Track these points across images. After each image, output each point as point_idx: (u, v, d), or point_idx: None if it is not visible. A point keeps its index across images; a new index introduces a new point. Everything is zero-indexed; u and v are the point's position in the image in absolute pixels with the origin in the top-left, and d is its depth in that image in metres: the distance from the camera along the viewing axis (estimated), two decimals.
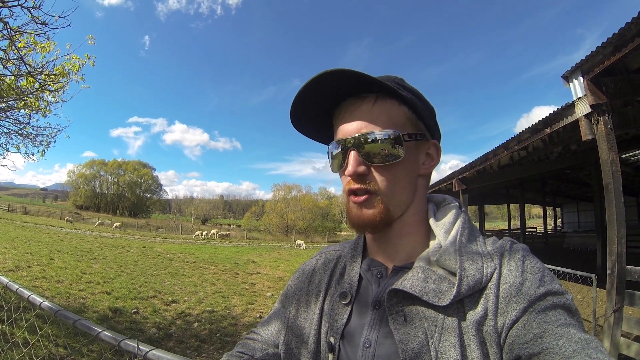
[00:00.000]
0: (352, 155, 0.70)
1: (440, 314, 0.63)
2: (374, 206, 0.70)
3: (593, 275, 5.54)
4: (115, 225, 36.19)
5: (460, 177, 12.46)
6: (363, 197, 0.70)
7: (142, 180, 79.47)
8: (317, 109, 0.77)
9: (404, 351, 0.62)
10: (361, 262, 0.80)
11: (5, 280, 2.24)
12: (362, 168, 0.70)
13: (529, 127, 7.35)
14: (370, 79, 0.68)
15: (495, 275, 0.64)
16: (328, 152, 0.79)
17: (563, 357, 0.49)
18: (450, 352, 0.59)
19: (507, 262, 0.65)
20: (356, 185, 0.70)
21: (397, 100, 0.73)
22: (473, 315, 0.61)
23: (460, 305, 0.63)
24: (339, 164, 0.75)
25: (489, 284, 0.63)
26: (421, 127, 0.76)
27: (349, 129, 0.72)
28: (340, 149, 0.74)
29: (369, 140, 0.70)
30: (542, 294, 0.59)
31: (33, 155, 7.02)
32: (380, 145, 0.69)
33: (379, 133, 0.70)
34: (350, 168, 0.70)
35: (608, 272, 4.62)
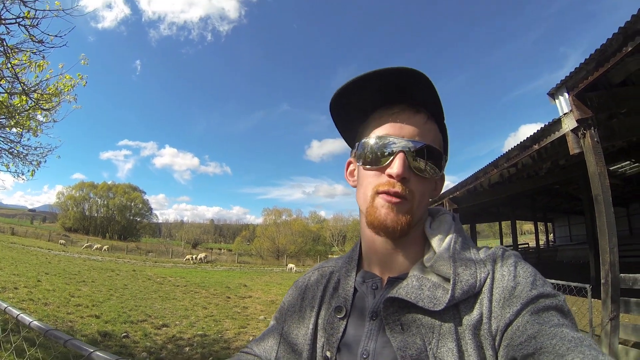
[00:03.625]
0: (402, 157, 0.70)
1: (436, 320, 0.64)
2: (405, 212, 0.70)
3: (587, 286, 5.56)
4: (95, 247, 35.62)
5: (451, 196, 12.58)
6: (399, 200, 0.70)
7: (132, 204, 78.33)
8: (369, 98, 0.76)
9: (403, 358, 0.62)
10: (355, 275, 0.81)
11: None
12: (408, 173, 0.70)
13: (517, 144, 7.48)
14: (439, 100, 0.73)
15: (488, 281, 0.65)
16: (362, 144, 0.77)
17: (557, 356, 0.50)
18: (448, 357, 0.60)
19: (499, 268, 0.67)
20: (395, 188, 0.70)
21: (438, 126, 0.77)
22: (469, 319, 0.62)
23: (455, 311, 0.64)
24: (373, 159, 0.74)
25: (483, 289, 0.64)
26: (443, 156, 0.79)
27: (403, 132, 0.72)
28: (385, 146, 0.72)
29: (421, 150, 0.71)
30: (534, 297, 0.60)
31: (23, 174, 6.90)
32: (428, 158, 0.72)
33: (435, 146, 0.73)
34: (399, 169, 0.69)
35: (602, 281, 4.65)
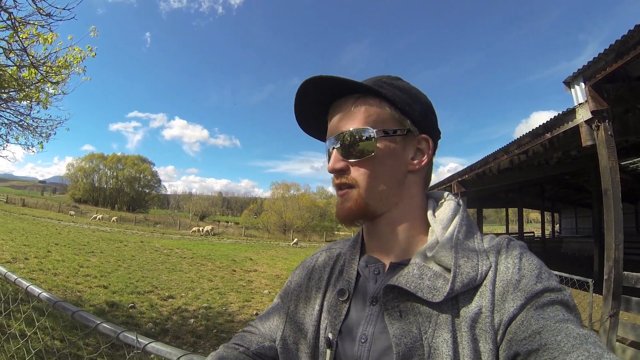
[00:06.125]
0: (333, 152, 0.76)
1: (434, 310, 0.63)
2: (350, 200, 0.74)
3: (590, 280, 5.55)
4: (99, 217, 36.34)
5: (459, 179, 12.46)
6: (344, 191, 0.75)
7: (142, 176, 79.31)
8: (314, 111, 0.82)
9: (397, 345, 0.62)
10: (359, 259, 0.81)
11: (3, 270, 2.23)
12: (339, 164, 0.75)
13: (529, 131, 7.37)
14: (344, 80, 0.72)
15: (491, 273, 0.64)
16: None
17: (562, 353, 0.49)
18: (442, 348, 0.60)
19: (504, 260, 0.66)
20: (337, 180, 0.76)
21: (379, 98, 0.75)
22: (466, 312, 0.62)
23: (454, 302, 0.64)
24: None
25: (484, 282, 0.63)
26: (407, 123, 0.76)
27: (332, 128, 0.78)
28: (327, 150, 0.80)
29: (344, 137, 0.74)
30: (539, 291, 0.59)
31: (33, 147, 7.05)
32: (354, 141, 0.73)
33: (353, 130, 0.73)
34: (329, 164, 0.76)
35: (605, 277, 4.63)
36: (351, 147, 0.73)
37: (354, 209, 0.73)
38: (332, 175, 0.79)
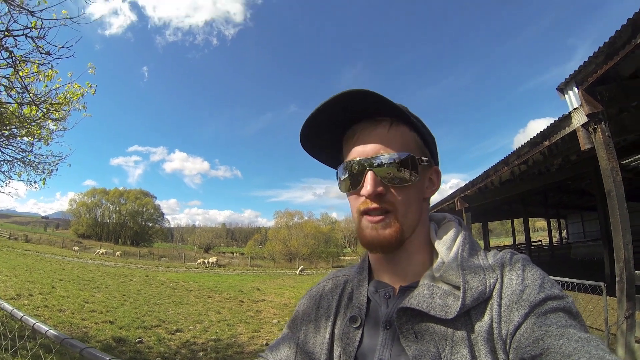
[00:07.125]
0: (370, 175, 0.71)
1: (449, 328, 0.64)
2: (390, 226, 0.71)
3: (602, 284, 5.47)
4: (101, 252, 36.20)
5: (462, 195, 12.48)
6: (380, 217, 0.71)
7: (144, 209, 79.17)
8: (329, 129, 0.79)
9: None
10: (368, 285, 0.81)
11: (9, 307, 2.23)
12: (380, 188, 0.71)
13: (527, 141, 7.43)
14: (392, 103, 0.71)
15: (497, 285, 0.66)
16: (338, 173, 0.81)
17: (564, 356, 0.50)
18: None
19: (508, 272, 0.67)
20: (373, 205, 0.72)
21: (409, 126, 0.76)
22: (480, 325, 0.63)
23: (467, 318, 0.64)
24: (349, 185, 0.77)
25: (493, 294, 0.65)
26: (427, 153, 0.79)
27: (366, 150, 0.74)
28: (354, 170, 0.75)
29: (387, 162, 0.72)
30: (542, 299, 0.61)
31: (35, 183, 7.10)
32: (397, 167, 0.72)
33: (397, 156, 0.72)
34: (369, 188, 0.71)
35: (617, 278, 4.58)
36: (394, 172, 0.72)
37: (394, 236, 0.71)
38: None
